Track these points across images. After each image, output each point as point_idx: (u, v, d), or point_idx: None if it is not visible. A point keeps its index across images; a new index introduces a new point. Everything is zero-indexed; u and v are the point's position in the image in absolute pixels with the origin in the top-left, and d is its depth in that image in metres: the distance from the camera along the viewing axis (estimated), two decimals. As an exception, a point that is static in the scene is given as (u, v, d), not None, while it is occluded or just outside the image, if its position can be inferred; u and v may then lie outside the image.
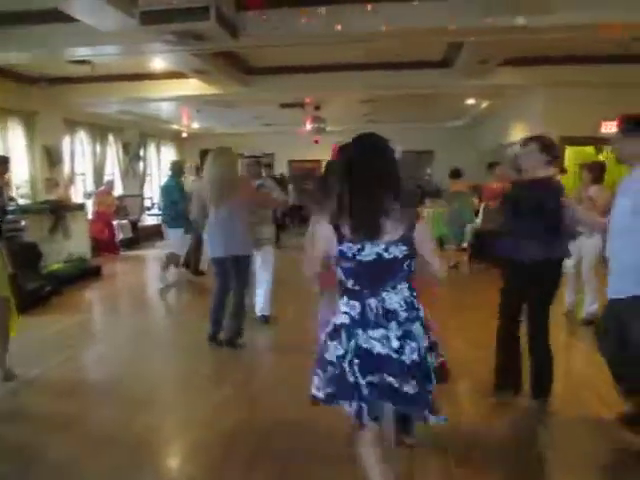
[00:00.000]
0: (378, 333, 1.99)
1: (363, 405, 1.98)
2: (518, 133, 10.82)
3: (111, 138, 12.35)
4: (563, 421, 3.31)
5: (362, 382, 1.97)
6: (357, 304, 2.03)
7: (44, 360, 4.54)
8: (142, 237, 12.27)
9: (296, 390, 3.37)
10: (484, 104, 11.20)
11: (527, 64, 8.20)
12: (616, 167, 9.85)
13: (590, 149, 9.63)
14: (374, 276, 2.02)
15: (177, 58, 7.11)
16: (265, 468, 2.83)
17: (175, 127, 14.53)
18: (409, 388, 1.97)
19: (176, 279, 7.79)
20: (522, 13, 5.37)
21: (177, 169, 7.57)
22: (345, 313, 2.05)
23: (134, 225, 12.12)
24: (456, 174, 8.81)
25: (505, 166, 7.91)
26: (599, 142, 8.99)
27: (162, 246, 11.83)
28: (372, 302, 2.01)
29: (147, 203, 13.98)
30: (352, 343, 2.00)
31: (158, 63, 7.96)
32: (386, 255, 1.98)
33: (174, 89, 9.31)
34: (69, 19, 5.37)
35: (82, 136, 11.24)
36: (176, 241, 7.35)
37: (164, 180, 8.32)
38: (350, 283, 2.05)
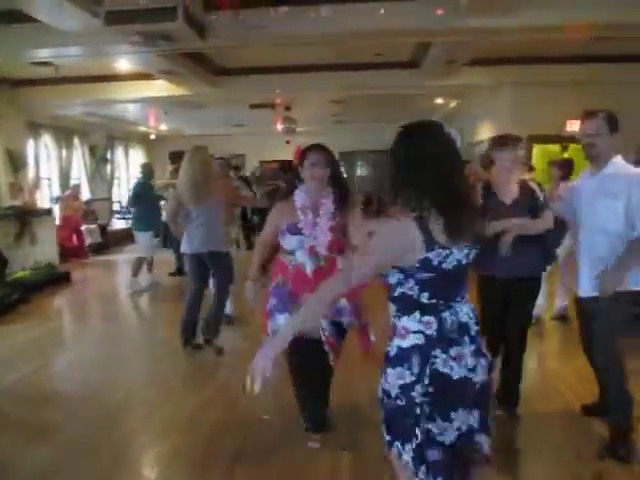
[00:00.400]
0: (455, 351, 1.67)
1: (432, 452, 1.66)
2: (486, 132, 10.98)
3: (77, 141, 12.09)
4: (535, 414, 3.37)
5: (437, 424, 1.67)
6: (433, 320, 1.66)
7: (15, 369, 4.43)
8: (112, 241, 12.05)
9: (276, 390, 3.39)
10: (452, 104, 11.34)
11: (494, 64, 8.34)
12: (583, 164, 10.11)
13: (556, 147, 9.84)
14: (451, 285, 1.71)
15: (143, 59, 6.99)
16: (247, 468, 2.81)
17: (143, 129, 14.32)
18: (473, 420, 1.71)
19: (149, 283, 7.65)
20: (489, 15, 5.45)
21: (147, 171, 7.48)
22: (417, 332, 1.66)
23: (103, 229, 11.89)
24: None
25: (474, 164, 8.02)
26: (564, 140, 9.19)
27: (131, 250, 11.73)
28: (447, 316, 1.68)
29: (116, 207, 13.74)
30: (427, 368, 1.65)
31: (124, 64, 7.82)
32: (465, 261, 1.69)
33: (141, 90, 9.16)
34: (31, 20, 5.24)
35: (47, 139, 10.97)
36: (144, 244, 7.25)
37: (133, 183, 8.23)
38: (425, 296, 1.66)
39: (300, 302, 2.78)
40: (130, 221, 8.78)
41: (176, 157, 11.38)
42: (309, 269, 2.95)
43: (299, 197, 3.01)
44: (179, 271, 7.92)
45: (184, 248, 4.63)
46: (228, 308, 5.31)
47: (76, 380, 4.29)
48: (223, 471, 2.82)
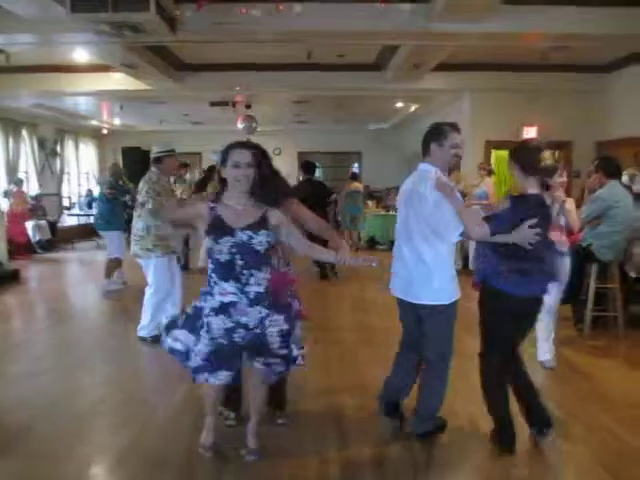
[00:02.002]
0: None
1: None
2: (444, 136, 11.20)
3: (25, 133, 11.54)
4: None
5: None
6: None
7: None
8: (62, 238, 11.56)
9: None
10: (412, 107, 11.51)
11: (454, 69, 8.51)
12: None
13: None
14: None
15: (105, 50, 6.74)
16: (230, 470, 2.73)
17: (95, 123, 13.83)
18: None
19: (120, 284, 7.26)
20: (456, 21, 5.56)
21: (117, 171, 7.60)
22: None
23: (52, 226, 11.38)
24: (354, 176, 11.58)
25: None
26: (520, 146, 9.46)
27: (83, 248, 11.29)
28: None
29: (65, 202, 13.20)
30: None
31: (81, 55, 7.51)
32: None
33: (97, 83, 8.85)
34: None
35: (-8, 130, 10.44)
36: (119, 244, 7.05)
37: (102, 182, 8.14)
38: None
39: None
40: (93, 220, 8.43)
41: (130, 153, 11.05)
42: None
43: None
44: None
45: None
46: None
47: (36, 388, 3.95)
48: (207, 476, 2.73)
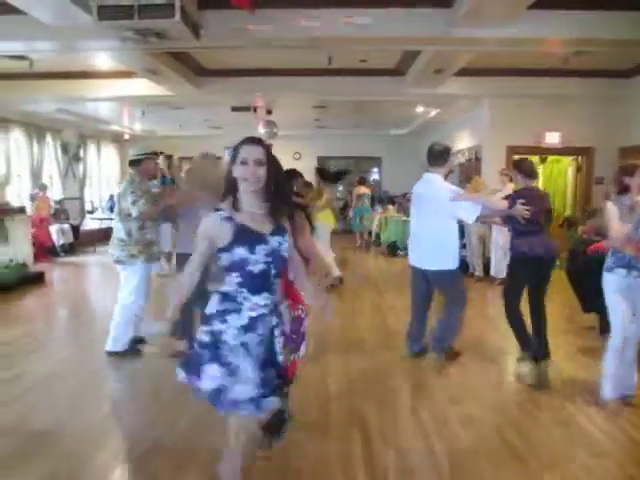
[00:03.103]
0: None
1: None
2: (464, 141, 11.16)
3: (49, 138, 11.75)
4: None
5: None
6: None
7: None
8: (84, 242, 11.73)
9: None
10: (432, 112, 11.46)
11: (475, 75, 8.46)
12: (560, 176, 10.34)
13: (534, 158, 10.04)
14: None
15: (128, 56, 6.82)
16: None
17: (117, 128, 14.00)
18: None
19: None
20: (480, 26, 5.53)
21: None
22: None
23: (75, 229, 11.55)
24: (362, 181, 12.81)
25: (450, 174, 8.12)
26: (543, 151, 9.39)
27: (105, 252, 11.42)
28: None
29: (88, 206, 13.39)
30: None
31: (104, 61, 7.62)
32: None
33: (119, 88, 8.96)
34: (10, 11, 5.05)
35: (17, 135, 10.62)
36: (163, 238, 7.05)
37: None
38: None
39: None
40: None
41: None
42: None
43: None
44: None
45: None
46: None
47: (54, 392, 4.01)
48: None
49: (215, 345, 2.19)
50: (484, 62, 7.79)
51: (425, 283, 4.49)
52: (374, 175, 16.90)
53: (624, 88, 8.52)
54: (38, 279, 7.88)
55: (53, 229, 10.62)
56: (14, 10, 5.01)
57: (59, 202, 11.39)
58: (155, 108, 11.02)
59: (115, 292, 7.30)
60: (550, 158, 9.89)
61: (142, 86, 8.64)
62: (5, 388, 4.00)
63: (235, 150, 2.24)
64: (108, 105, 10.84)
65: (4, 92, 8.93)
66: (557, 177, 10.38)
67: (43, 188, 10.67)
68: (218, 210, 2.22)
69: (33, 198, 10.18)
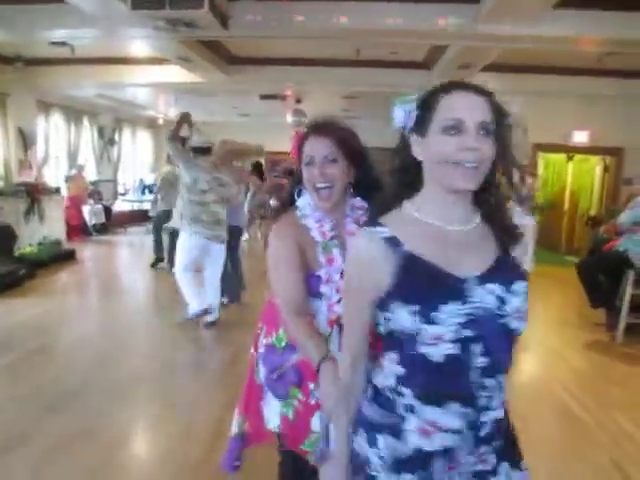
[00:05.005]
0: None
1: None
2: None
3: (86, 122, 12.14)
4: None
5: None
6: None
7: (20, 345, 4.51)
8: (116, 222, 12.13)
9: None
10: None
11: (504, 71, 8.43)
12: (587, 175, 10.23)
13: (561, 156, 9.97)
14: None
15: (162, 44, 7.04)
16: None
17: (151, 113, 14.34)
18: None
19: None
20: (510, 22, 5.55)
21: None
22: None
23: (107, 210, 11.96)
24: None
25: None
26: (570, 150, 9.31)
27: (135, 232, 11.81)
28: None
29: (120, 189, 13.80)
30: None
31: (140, 48, 7.88)
32: None
33: (153, 75, 9.22)
34: (54, 0, 5.32)
35: (57, 119, 11.02)
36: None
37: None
38: None
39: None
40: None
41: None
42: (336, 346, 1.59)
43: (312, 217, 1.68)
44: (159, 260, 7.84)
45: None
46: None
47: (83, 356, 4.39)
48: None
49: None
50: (514, 59, 7.77)
51: None
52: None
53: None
54: (70, 256, 8.24)
55: (86, 209, 11.02)
56: (56, -1, 5.28)
57: (93, 183, 11.79)
58: (188, 95, 11.28)
59: (144, 269, 7.73)
60: (578, 157, 9.80)
61: (175, 73, 8.88)
62: (41, 353, 4.36)
63: (301, 145, 1.67)
64: (144, 91, 11.13)
65: (47, 77, 9.31)
66: (584, 176, 10.27)
67: (80, 168, 11.05)
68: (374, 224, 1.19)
69: (69, 179, 10.56)
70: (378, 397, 1.19)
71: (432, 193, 1.16)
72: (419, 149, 1.16)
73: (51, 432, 3.04)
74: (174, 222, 5.40)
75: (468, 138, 1.08)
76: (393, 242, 1.12)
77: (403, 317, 1.07)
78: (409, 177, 1.20)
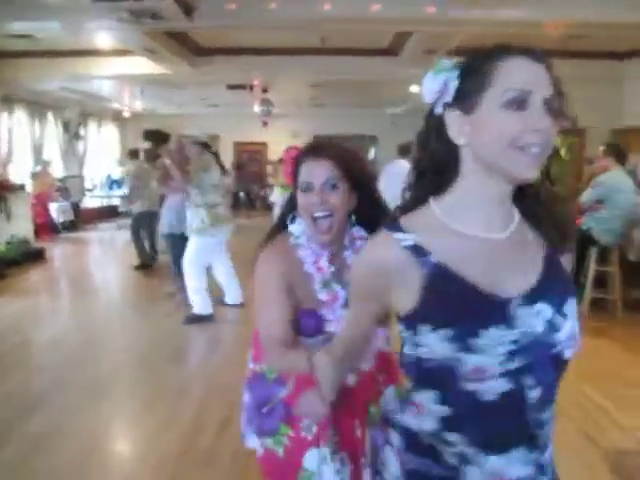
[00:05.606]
0: None
1: None
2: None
3: (51, 116, 11.87)
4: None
5: None
6: None
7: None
8: (85, 219, 11.94)
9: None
10: (427, 92, 11.52)
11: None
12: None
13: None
14: None
15: (126, 36, 6.93)
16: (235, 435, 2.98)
17: (117, 106, 14.10)
18: None
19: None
20: (473, 7, 5.64)
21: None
22: None
23: (75, 207, 11.76)
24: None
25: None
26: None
27: (107, 228, 11.65)
28: None
29: (88, 185, 13.56)
30: None
31: (104, 40, 7.74)
32: None
33: (119, 67, 9.07)
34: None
35: (20, 114, 10.76)
36: None
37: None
38: None
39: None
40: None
41: (150, 135, 11.26)
42: None
43: (307, 248, 1.51)
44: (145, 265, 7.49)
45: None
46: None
47: (59, 354, 4.32)
48: (211, 439, 2.96)
49: None
50: (476, 43, 7.85)
51: None
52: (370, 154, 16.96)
53: (618, 70, 8.62)
54: (40, 255, 8.10)
55: (53, 207, 10.82)
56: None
57: (60, 180, 11.57)
58: (154, 87, 11.13)
59: (115, 267, 7.64)
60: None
61: (141, 65, 8.74)
62: (14, 353, 4.31)
63: (296, 169, 1.51)
64: (109, 83, 10.94)
65: (9, 71, 9.07)
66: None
67: (46, 164, 10.83)
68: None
69: (34, 176, 10.34)
70: (416, 445, 0.97)
71: (473, 188, 0.93)
72: (462, 129, 0.92)
73: (28, 431, 3.02)
74: (174, 227, 5.12)
75: (534, 116, 0.86)
76: (419, 252, 0.91)
77: (433, 343, 0.88)
78: (440, 167, 0.96)
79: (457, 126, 0.92)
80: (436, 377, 0.90)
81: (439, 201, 0.96)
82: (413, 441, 0.97)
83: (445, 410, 0.92)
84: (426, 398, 0.94)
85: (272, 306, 1.43)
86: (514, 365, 0.86)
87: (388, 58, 8.68)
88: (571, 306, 0.92)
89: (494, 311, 0.87)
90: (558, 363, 0.91)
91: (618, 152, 5.01)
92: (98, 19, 5.74)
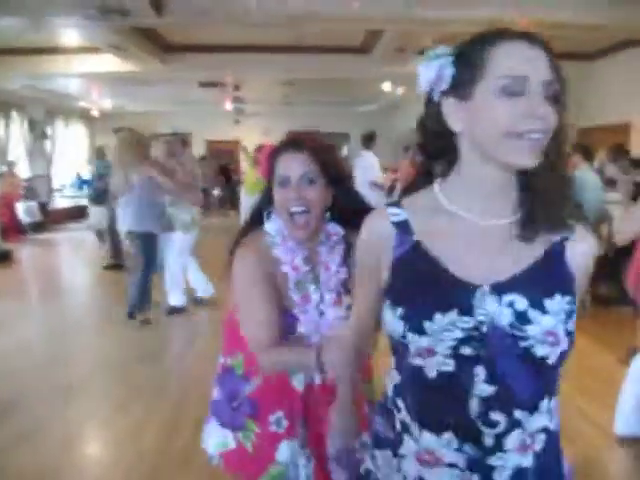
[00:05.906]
0: None
1: None
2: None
3: (15, 115, 11.57)
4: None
5: None
6: None
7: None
8: (53, 220, 11.68)
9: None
10: (400, 90, 11.61)
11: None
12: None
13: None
14: None
15: (93, 33, 6.80)
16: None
17: (85, 105, 13.81)
18: None
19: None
20: (442, 7, 5.69)
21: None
22: None
23: (43, 207, 11.48)
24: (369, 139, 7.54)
25: (415, 151, 8.32)
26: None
27: (76, 229, 11.43)
28: None
29: (56, 185, 13.27)
30: None
31: (70, 37, 7.56)
32: None
33: (86, 65, 8.88)
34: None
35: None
36: None
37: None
38: None
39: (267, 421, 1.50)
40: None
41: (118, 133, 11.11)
42: (298, 383, 1.49)
43: (283, 247, 1.45)
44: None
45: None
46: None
47: (28, 359, 4.20)
48: (187, 437, 2.90)
49: None
50: (451, 42, 7.93)
51: None
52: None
53: (588, 70, 8.82)
54: (6, 257, 7.90)
55: (20, 207, 10.56)
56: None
57: (27, 180, 11.30)
58: (123, 85, 10.95)
59: (84, 268, 7.49)
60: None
61: (110, 62, 8.58)
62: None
63: (272, 164, 1.45)
64: (76, 81, 10.71)
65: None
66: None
67: (11, 165, 10.56)
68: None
69: (0, 176, 10.08)
70: (381, 407, 1.05)
71: (472, 173, 0.92)
72: (458, 116, 0.90)
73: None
74: (146, 226, 4.71)
75: (533, 101, 0.83)
76: (403, 228, 0.94)
77: (389, 320, 0.91)
78: (442, 153, 0.97)
79: (453, 114, 0.90)
80: (394, 345, 0.95)
81: (441, 183, 0.97)
82: (382, 403, 1.04)
83: (397, 376, 0.97)
84: (391, 362, 1.00)
85: (256, 307, 1.39)
86: (466, 351, 0.85)
87: (360, 56, 8.72)
88: (559, 304, 0.86)
89: (457, 296, 0.86)
90: (529, 360, 0.85)
91: (585, 151, 5.14)
92: (65, 16, 5.61)
